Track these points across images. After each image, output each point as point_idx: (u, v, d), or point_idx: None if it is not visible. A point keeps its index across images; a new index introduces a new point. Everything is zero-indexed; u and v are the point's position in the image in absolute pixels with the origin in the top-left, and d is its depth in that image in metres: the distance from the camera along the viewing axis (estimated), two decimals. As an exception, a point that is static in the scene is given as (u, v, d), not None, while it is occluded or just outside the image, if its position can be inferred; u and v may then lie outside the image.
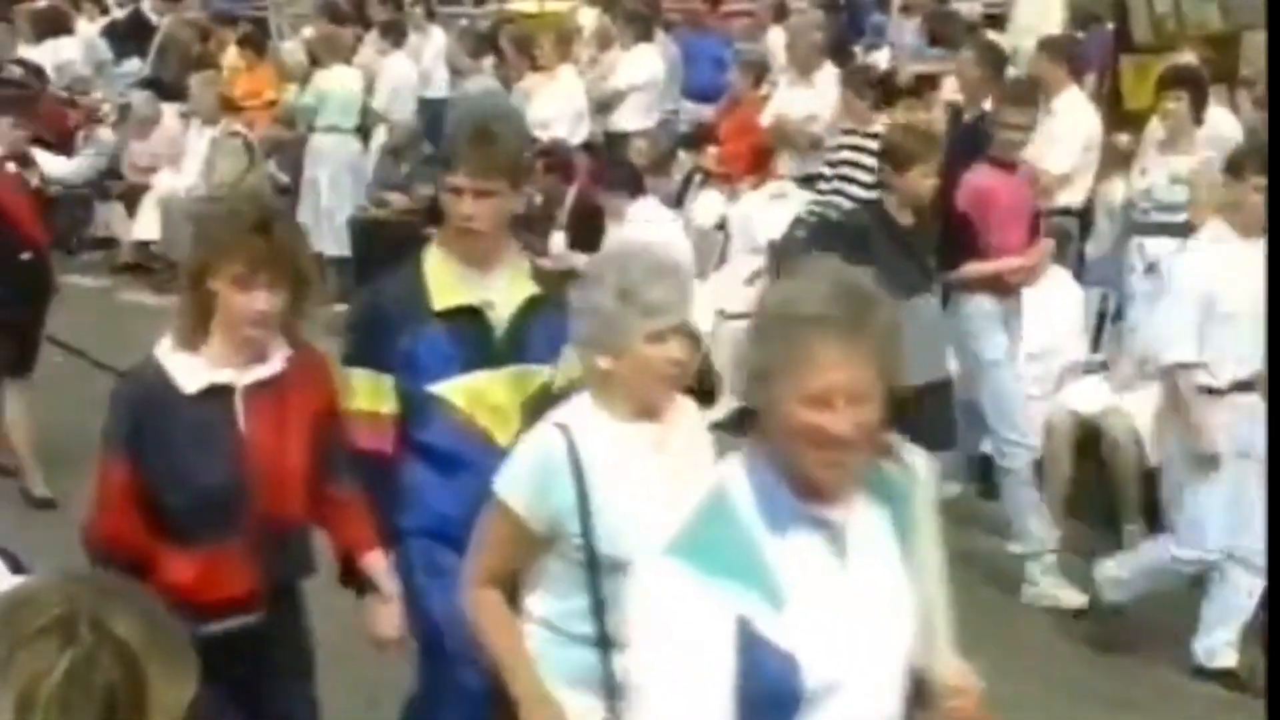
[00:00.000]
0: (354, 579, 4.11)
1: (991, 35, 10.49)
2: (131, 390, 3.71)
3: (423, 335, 4.12)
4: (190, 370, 3.67)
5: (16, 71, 12.54)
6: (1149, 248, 8.19)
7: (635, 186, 10.19)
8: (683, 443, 3.54)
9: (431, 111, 11.93)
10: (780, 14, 12.24)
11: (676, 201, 10.94)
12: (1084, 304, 8.41)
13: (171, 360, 3.67)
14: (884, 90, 9.76)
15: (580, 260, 9.97)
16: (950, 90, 10.35)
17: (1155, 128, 8.46)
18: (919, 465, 2.80)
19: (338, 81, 12.02)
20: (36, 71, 12.59)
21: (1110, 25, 9.72)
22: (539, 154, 10.70)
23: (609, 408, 3.46)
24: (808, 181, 10.00)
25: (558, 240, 10.33)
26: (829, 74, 10.34)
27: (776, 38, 11.68)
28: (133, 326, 9.62)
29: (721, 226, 10.39)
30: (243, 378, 3.70)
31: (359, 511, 4.04)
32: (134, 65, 14.04)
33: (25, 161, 8.30)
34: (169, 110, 12.73)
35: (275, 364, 3.76)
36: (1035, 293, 8.17)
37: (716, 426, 3.99)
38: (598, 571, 3.40)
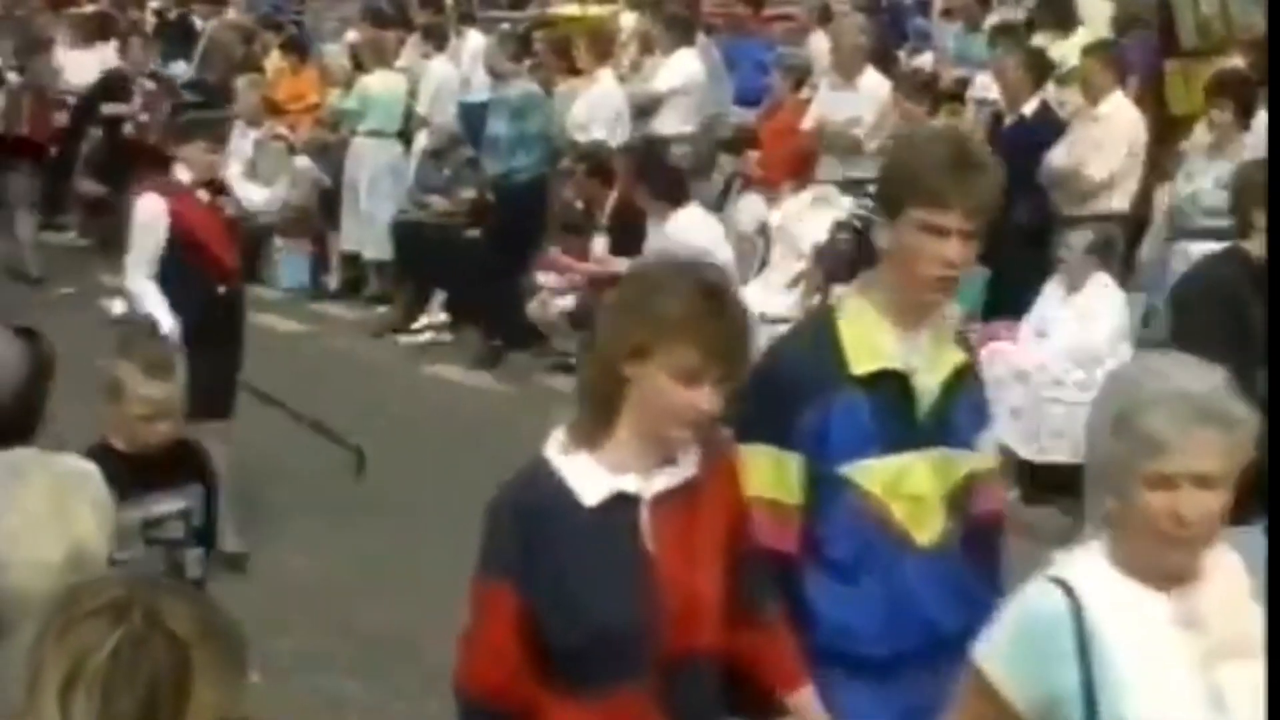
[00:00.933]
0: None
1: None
2: (520, 500, 3.00)
3: (836, 405, 3.36)
4: (591, 476, 2.98)
5: (149, 84, 12.68)
6: (1194, 252, 8.13)
7: (679, 192, 10.19)
8: (1221, 618, 2.71)
9: (471, 115, 11.96)
10: (824, 18, 12.22)
11: (717, 206, 10.94)
12: (1127, 308, 8.36)
13: (569, 464, 2.99)
14: (928, 96, 9.73)
15: (622, 265, 9.99)
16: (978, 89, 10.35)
17: (1201, 132, 8.42)
18: None
19: (382, 85, 12.07)
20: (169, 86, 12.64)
21: (1155, 29, 9.66)
22: (580, 157, 10.72)
23: (1123, 563, 2.73)
24: (850, 186, 9.98)
25: (599, 244, 10.34)
26: (872, 78, 10.32)
27: (818, 42, 11.65)
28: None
29: (762, 231, 10.37)
30: (650, 485, 3.00)
31: (784, 639, 3.30)
32: (179, 68, 14.10)
33: (219, 189, 7.49)
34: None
35: (687, 466, 3.05)
36: (1078, 297, 8.16)
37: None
38: None
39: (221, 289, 7.26)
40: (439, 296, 11.35)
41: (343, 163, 12.16)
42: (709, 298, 2.89)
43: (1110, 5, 10.70)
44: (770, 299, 9.71)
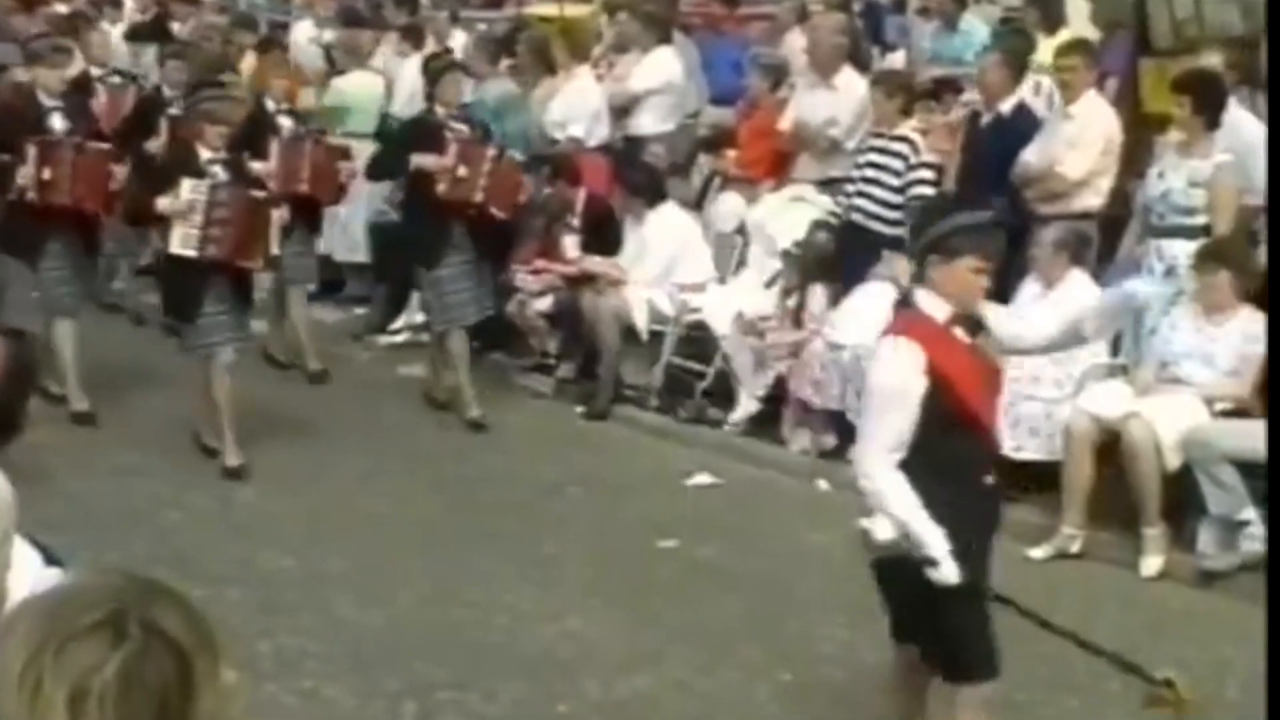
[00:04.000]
0: None
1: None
2: None
3: None
4: None
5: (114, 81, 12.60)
6: (1166, 250, 8.25)
7: (656, 191, 10.28)
8: None
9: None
10: (800, 17, 12.28)
11: (695, 205, 11.02)
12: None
13: None
14: (904, 95, 9.80)
15: (595, 263, 10.08)
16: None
17: (1175, 131, 8.51)
18: None
19: (357, 85, 12.12)
20: None
21: (1131, 30, 9.76)
22: (541, 159, 10.81)
23: None
24: (827, 185, 10.06)
25: (570, 243, 10.40)
26: (849, 77, 10.39)
27: (794, 41, 11.72)
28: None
29: (741, 230, 10.45)
30: None
31: None
32: (152, 68, 14.09)
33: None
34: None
35: None
36: (1054, 294, 8.26)
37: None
38: None
39: None
40: (416, 298, 11.41)
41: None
42: None
43: (1089, 6, 10.79)
44: (748, 298, 9.80)
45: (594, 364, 10.08)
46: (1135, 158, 9.05)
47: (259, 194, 8.89)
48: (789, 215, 9.95)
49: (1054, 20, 10.60)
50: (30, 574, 2.75)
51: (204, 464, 8.72)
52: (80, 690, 1.87)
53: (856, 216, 9.56)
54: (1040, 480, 7.90)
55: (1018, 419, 7.91)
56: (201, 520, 7.94)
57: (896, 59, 12.02)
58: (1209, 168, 8.12)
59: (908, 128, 9.58)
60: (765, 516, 8.24)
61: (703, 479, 8.76)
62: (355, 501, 8.21)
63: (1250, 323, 7.67)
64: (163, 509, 8.06)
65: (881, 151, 9.54)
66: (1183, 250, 8.10)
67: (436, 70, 9.83)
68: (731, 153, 11.03)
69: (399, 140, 10.23)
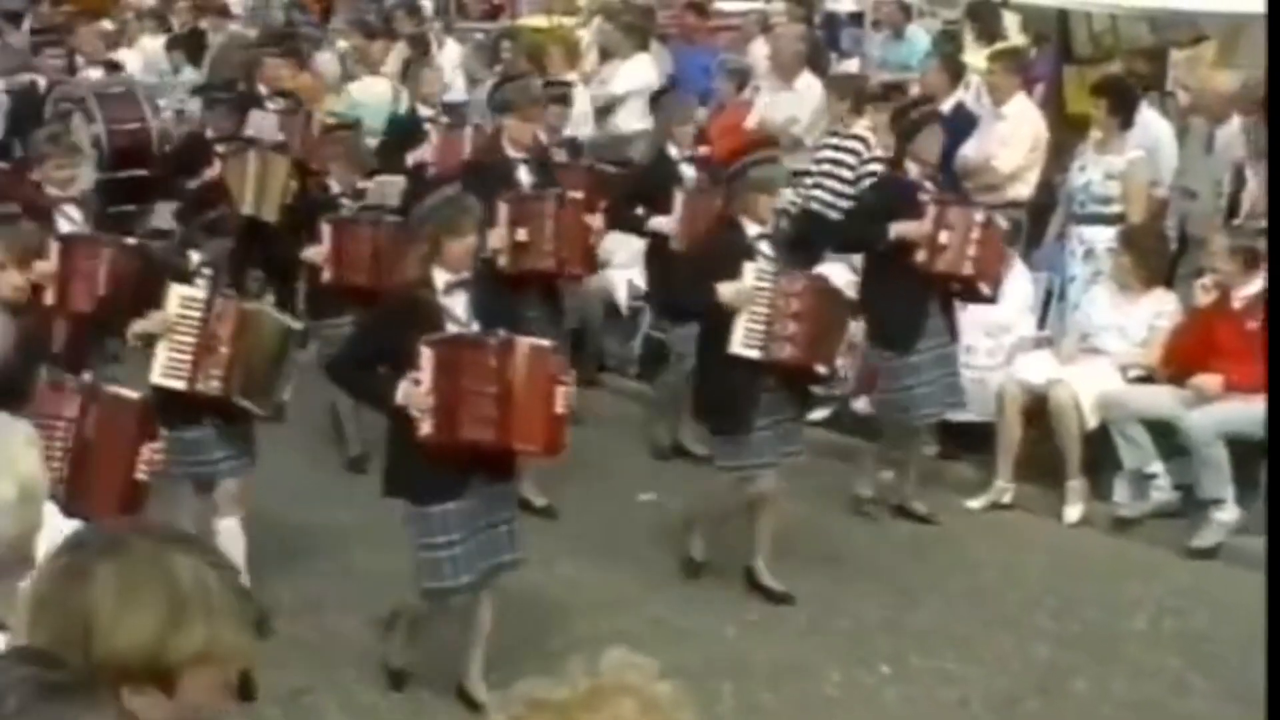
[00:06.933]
0: None
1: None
2: None
3: None
4: None
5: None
6: (1086, 234, 8.34)
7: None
8: None
9: (450, 115, 12.00)
10: (764, 27, 12.34)
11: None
12: (1032, 285, 8.54)
13: None
14: (855, 96, 9.85)
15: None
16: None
17: (1095, 130, 8.60)
18: None
19: (370, 91, 12.13)
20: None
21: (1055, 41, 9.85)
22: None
23: None
24: (789, 178, 10.09)
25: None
26: (807, 80, 10.45)
27: (758, 48, 11.78)
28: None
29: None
30: None
31: None
32: (188, 75, 14.07)
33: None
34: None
35: None
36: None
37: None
38: None
39: None
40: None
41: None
42: None
43: (1018, 19, 10.87)
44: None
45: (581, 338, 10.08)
46: (1060, 153, 9.15)
47: (828, 284, 6.72)
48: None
49: (991, 32, 10.66)
50: (58, 533, 2.80)
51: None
52: (37, 616, 1.95)
53: (814, 205, 9.62)
54: (975, 440, 8.00)
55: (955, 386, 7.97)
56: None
57: (851, 65, 12.08)
58: (1123, 163, 8.23)
59: (861, 126, 9.63)
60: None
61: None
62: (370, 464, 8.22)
63: (1159, 300, 7.76)
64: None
65: (837, 148, 9.58)
66: (1101, 235, 8.21)
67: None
68: (703, 149, 11.05)
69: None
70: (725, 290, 6.30)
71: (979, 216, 7.26)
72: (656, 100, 8.76)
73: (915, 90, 10.18)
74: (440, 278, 5.51)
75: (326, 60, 13.51)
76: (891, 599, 6.68)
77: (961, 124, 9.30)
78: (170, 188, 9.03)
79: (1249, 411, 7.01)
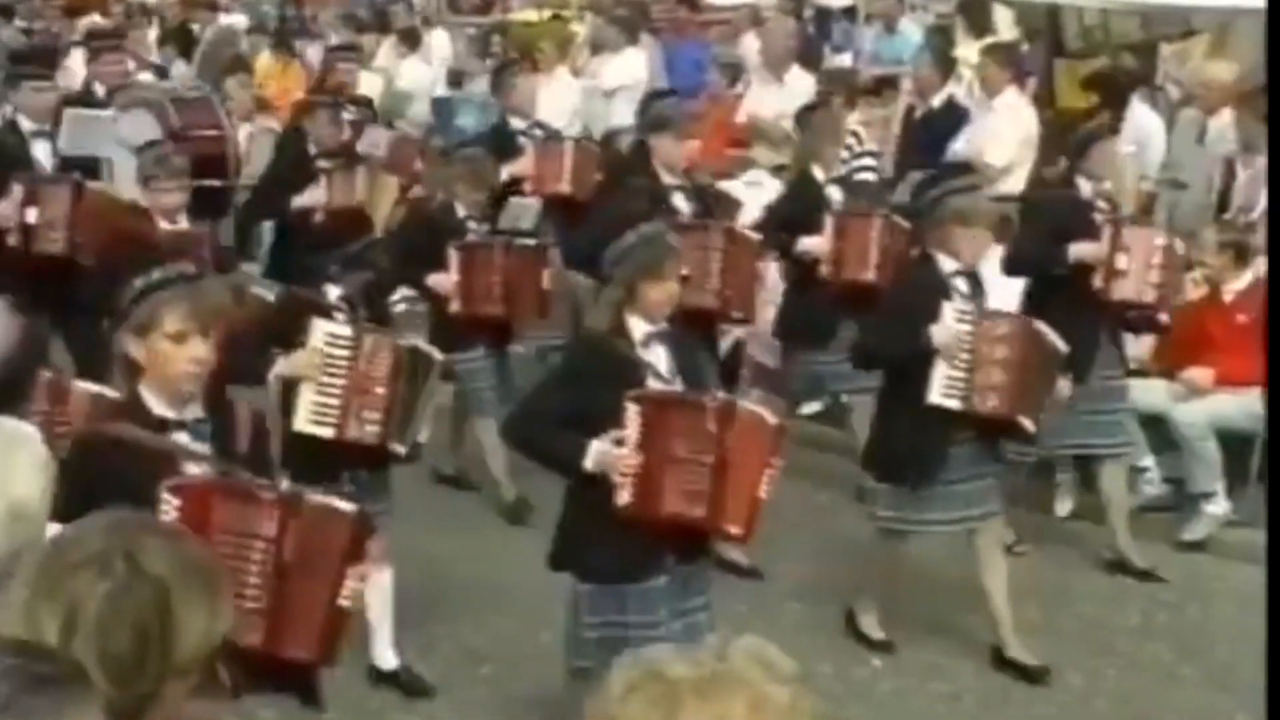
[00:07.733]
0: None
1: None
2: None
3: None
4: None
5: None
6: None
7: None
8: None
9: (441, 108, 12.01)
10: (755, 21, 12.33)
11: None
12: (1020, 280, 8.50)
13: None
14: (847, 90, 9.85)
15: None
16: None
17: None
18: None
19: (361, 84, 12.09)
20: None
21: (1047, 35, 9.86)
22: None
23: None
24: (779, 171, 10.09)
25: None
26: (797, 74, 10.43)
27: (749, 42, 11.76)
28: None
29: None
30: None
31: None
32: (179, 70, 14.04)
33: None
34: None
35: None
36: (980, 269, 8.30)
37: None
38: None
39: None
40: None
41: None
42: None
43: (1010, 13, 10.87)
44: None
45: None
46: (1050, 147, 9.14)
47: (1036, 328, 5.92)
48: (745, 197, 9.96)
49: (982, 27, 10.65)
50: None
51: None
52: (70, 619, 1.89)
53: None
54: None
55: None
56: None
57: (844, 59, 12.08)
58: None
59: (853, 121, 9.60)
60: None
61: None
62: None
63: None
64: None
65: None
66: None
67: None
68: (694, 142, 11.02)
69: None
70: (940, 334, 5.61)
71: (1159, 240, 6.67)
72: (804, 118, 7.90)
73: (907, 85, 10.22)
74: (638, 328, 4.73)
75: (315, 54, 13.50)
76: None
77: (952, 117, 9.30)
78: (273, 205, 8.34)
79: (1239, 405, 7.01)
